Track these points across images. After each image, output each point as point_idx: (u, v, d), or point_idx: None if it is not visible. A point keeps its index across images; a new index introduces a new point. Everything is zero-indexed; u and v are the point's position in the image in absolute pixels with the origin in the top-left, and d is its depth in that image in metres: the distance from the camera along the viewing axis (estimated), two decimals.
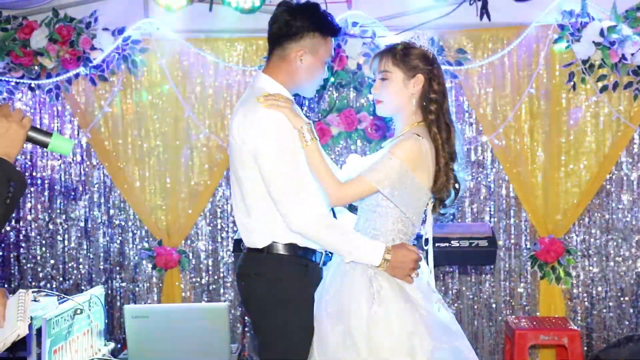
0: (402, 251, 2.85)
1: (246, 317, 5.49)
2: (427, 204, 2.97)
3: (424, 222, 3.05)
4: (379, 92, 2.98)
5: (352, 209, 3.17)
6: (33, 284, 5.53)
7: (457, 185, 2.96)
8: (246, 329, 5.51)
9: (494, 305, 5.43)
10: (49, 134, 2.15)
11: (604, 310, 5.36)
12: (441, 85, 2.95)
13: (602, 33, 4.97)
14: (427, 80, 2.92)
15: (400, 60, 2.93)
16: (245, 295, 3.02)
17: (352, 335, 2.78)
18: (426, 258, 3.04)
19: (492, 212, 5.42)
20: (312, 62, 2.95)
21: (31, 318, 3.11)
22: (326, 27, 2.96)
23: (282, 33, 2.94)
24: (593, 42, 4.99)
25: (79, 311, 3.53)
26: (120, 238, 5.61)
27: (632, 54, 4.96)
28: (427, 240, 3.04)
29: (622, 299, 5.34)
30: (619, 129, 5.18)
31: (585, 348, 5.31)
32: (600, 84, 5.13)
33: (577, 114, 5.21)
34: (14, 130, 2.06)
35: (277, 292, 2.89)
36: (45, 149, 2.22)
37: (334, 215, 3.04)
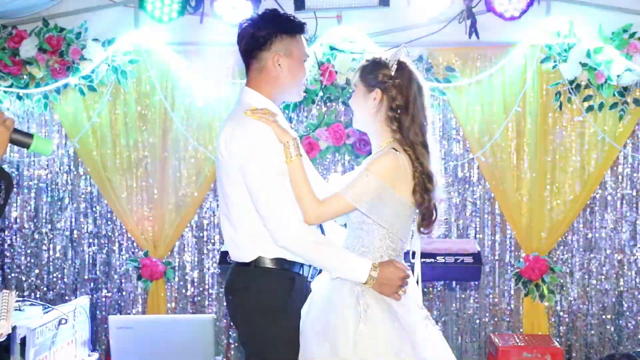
0: (390, 268, 2.84)
1: (230, 330, 5.48)
2: (414, 218, 2.96)
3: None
4: (351, 105, 3.02)
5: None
6: (17, 293, 5.49)
7: (434, 207, 2.93)
8: (232, 341, 5.50)
9: (477, 322, 5.45)
10: (30, 135, 2.19)
11: (587, 328, 5.40)
12: (402, 101, 2.87)
13: (588, 54, 5.03)
14: (386, 96, 2.88)
15: (364, 74, 2.94)
16: (232, 309, 3.02)
17: (339, 353, 2.76)
18: (413, 272, 3.04)
19: (477, 229, 5.45)
20: (290, 64, 2.96)
21: (15, 327, 3.11)
22: (290, 26, 2.97)
23: (252, 47, 2.96)
24: (580, 62, 5.04)
25: (63, 321, 3.52)
26: (106, 248, 5.59)
27: (618, 76, 5.03)
28: (414, 254, 3.05)
29: (604, 316, 5.38)
30: (604, 149, 5.23)
31: None
32: (586, 104, 5.18)
33: (561, 134, 5.27)
34: None
35: (264, 305, 2.89)
36: (27, 150, 2.25)
37: (322, 231, 3.05)
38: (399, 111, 2.87)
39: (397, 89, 2.87)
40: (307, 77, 3.12)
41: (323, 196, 2.87)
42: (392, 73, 2.88)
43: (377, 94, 2.89)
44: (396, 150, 2.84)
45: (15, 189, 5.53)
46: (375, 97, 2.89)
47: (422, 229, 2.94)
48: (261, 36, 2.93)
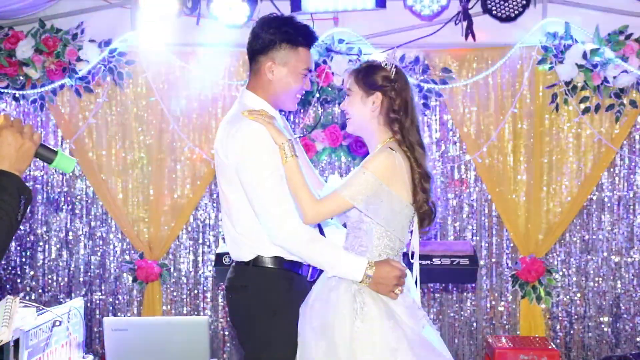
0: (385, 267, 2.84)
1: (225, 332, 5.47)
2: (413, 217, 2.97)
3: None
4: (345, 108, 3.01)
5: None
6: (12, 295, 5.48)
7: (433, 207, 2.96)
8: (227, 343, 5.49)
9: (474, 324, 5.44)
10: (54, 151, 2.19)
11: (584, 330, 5.39)
12: (402, 103, 2.91)
13: (584, 55, 5.02)
14: (387, 99, 2.91)
15: (360, 78, 2.95)
16: (232, 308, 3.03)
17: (336, 350, 2.77)
18: (412, 273, 3.04)
19: (474, 231, 5.44)
20: (284, 75, 2.95)
21: None
22: (295, 37, 2.94)
23: (253, 47, 2.97)
24: (576, 64, 5.04)
25: (57, 323, 3.50)
26: (101, 250, 5.57)
27: (614, 77, 5.02)
28: (413, 254, 3.05)
29: (601, 319, 5.37)
30: (600, 151, 5.23)
31: None
32: (582, 106, 5.18)
33: (558, 136, 5.27)
34: (27, 147, 2.09)
35: (262, 304, 2.90)
36: (48, 165, 2.24)
37: (321, 231, 3.05)
38: (401, 113, 2.91)
39: (396, 92, 2.91)
40: (308, 89, 3.07)
41: (322, 196, 2.89)
42: (392, 76, 2.91)
43: (377, 97, 2.92)
44: (392, 150, 2.86)
45: None
46: (374, 100, 2.92)
47: (421, 229, 2.98)
48: (262, 38, 2.93)
